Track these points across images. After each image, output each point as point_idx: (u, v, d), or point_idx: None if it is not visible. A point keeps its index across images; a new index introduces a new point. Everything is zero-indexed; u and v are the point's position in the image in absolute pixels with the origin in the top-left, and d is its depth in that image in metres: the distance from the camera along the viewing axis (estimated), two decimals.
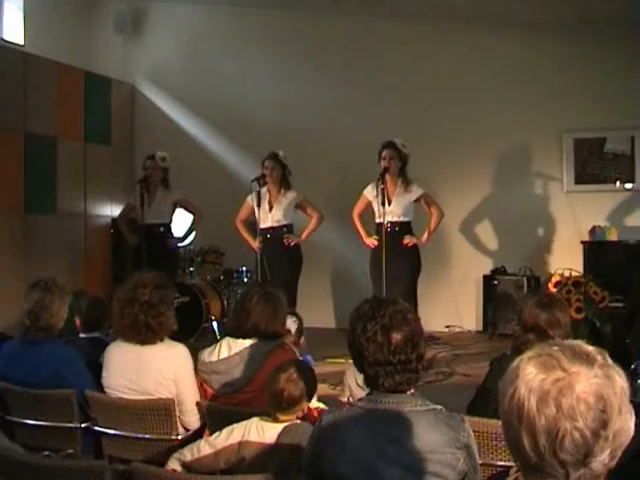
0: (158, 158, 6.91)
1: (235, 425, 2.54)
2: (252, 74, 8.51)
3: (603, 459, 1.23)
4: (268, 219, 6.46)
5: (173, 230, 7.14)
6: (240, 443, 2.45)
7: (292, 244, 6.47)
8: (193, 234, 7.37)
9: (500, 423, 2.59)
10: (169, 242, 6.99)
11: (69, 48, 8.42)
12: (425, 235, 6.34)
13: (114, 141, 8.58)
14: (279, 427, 2.48)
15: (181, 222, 7.29)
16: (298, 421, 2.53)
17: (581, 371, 1.23)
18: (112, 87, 8.59)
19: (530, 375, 1.24)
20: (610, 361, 1.27)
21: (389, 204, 6.17)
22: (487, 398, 3.01)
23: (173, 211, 7.11)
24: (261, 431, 2.47)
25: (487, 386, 3.09)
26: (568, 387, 1.22)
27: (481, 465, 2.30)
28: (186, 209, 7.18)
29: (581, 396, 1.21)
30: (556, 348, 1.27)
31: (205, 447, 2.50)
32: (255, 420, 2.51)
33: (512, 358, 2.95)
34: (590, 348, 1.28)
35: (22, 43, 7.89)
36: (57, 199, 7.62)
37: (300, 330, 3.98)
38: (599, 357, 1.26)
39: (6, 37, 7.74)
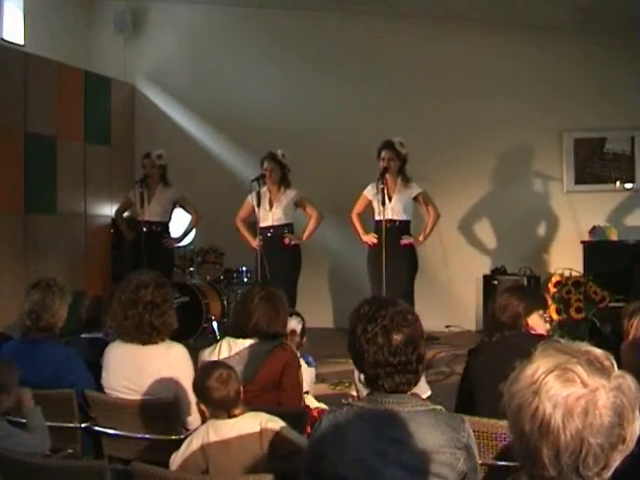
0: (154, 156, 6.93)
1: (193, 434, 2.57)
2: (252, 74, 8.51)
3: (615, 468, 1.25)
4: (269, 218, 6.49)
5: (171, 229, 7.16)
6: (202, 448, 2.48)
7: (292, 243, 6.49)
8: (191, 234, 7.38)
9: (500, 423, 2.61)
10: (166, 242, 7.00)
11: (69, 48, 8.42)
12: (422, 236, 6.36)
13: (114, 141, 8.57)
14: (234, 421, 2.52)
15: (179, 222, 7.30)
16: (256, 412, 2.56)
17: (601, 386, 1.23)
18: (112, 87, 8.58)
19: (552, 390, 1.23)
20: (615, 366, 1.28)
21: (389, 201, 6.19)
22: (470, 390, 3.06)
23: (172, 210, 7.13)
24: (219, 429, 2.50)
25: (468, 378, 3.16)
26: (591, 403, 1.22)
27: (481, 465, 2.30)
28: (184, 209, 7.19)
29: (603, 412, 1.22)
30: (571, 359, 1.26)
31: (173, 464, 2.52)
32: (210, 422, 2.54)
33: (488, 345, 3.03)
34: (599, 353, 1.28)
35: (22, 43, 7.88)
36: (57, 199, 7.60)
37: (303, 331, 3.99)
38: (608, 363, 1.27)
39: (6, 37, 7.74)
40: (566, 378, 1.23)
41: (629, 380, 1.26)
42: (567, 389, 1.23)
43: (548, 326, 3.38)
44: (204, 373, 2.64)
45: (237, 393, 2.57)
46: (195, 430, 2.60)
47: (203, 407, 2.57)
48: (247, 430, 2.49)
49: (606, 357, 1.28)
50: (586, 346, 1.30)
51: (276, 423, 2.53)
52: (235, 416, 2.54)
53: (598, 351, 1.29)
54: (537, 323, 3.18)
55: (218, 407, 2.54)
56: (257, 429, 2.49)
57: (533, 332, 3.15)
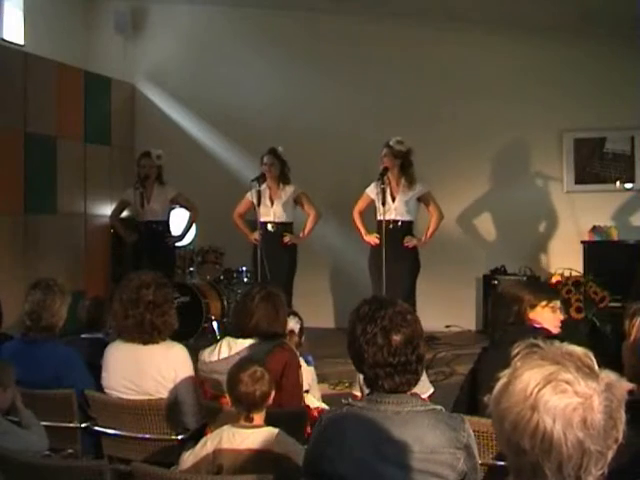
0: (154, 156, 6.92)
1: (209, 435, 2.55)
2: (252, 74, 8.51)
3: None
4: (270, 214, 6.51)
5: (171, 228, 7.16)
6: (214, 452, 2.45)
7: (290, 243, 6.50)
8: (192, 231, 7.38)
9: None
10: (168, 241, 7.00)
11: (69, 48, 8.42)
12: (424, 237, 6.35)
13: (114, 141, 8.57)
14: (251, 432, 2.48)
15: (178, 220, 7.31)
16: (273, 429, 2.51)
17: (593, 391, 1.23)
18: (112, 87, 8.58)
19: (549, 403, 1.22)
20: (595, 363, 1.27)
21: (393, 201, 6.19)
22: (470, 386, 3.07)
23: (171, 208, 7.13)
24: (232, 437, 2.46)
25: (472, 374, 3.17)
26: (588, 411, 1.22)
27: (481, 465, 2.30)
28: (182, 205, 7.19)
29: (599, 417, 1.22)
30: (560, 367, 1.25)
31: (186, 460, 2.50)
32: (226, 427, 2.51)
33: (494, 343, 3.01)
34: (581, 354, 1.27)
35: (22, 43, 7.88)
36: (57, 199, 7.60)
37: (301, 330, 3.99)
38: (591, 362, 1.26)
39: (6, 37, 7.74)
40: (561, 389, 1.23)
41: (612, 377, 1.26)
42: (563, 400, 1.22)
43: (561, 316, 3.20)
44: (240, 364, 2.64)
45: (263, 397, 2.53)
46: (213, 432, 2.56)
47: (227, 397, 2.56)
48: (258, 446, 2.44)
49: (587, 356, 1.27)
50: (565, 347, 1.29)
51: (287, 445, 2.47)
52: (252, 420, 2.51)
53: (579, 351, 1.28)
54: (541, 316, 3.09)
55: (239, 401, 2.52)
56: (268, 447, 2.44)
57: (537, 325, 3.07)
